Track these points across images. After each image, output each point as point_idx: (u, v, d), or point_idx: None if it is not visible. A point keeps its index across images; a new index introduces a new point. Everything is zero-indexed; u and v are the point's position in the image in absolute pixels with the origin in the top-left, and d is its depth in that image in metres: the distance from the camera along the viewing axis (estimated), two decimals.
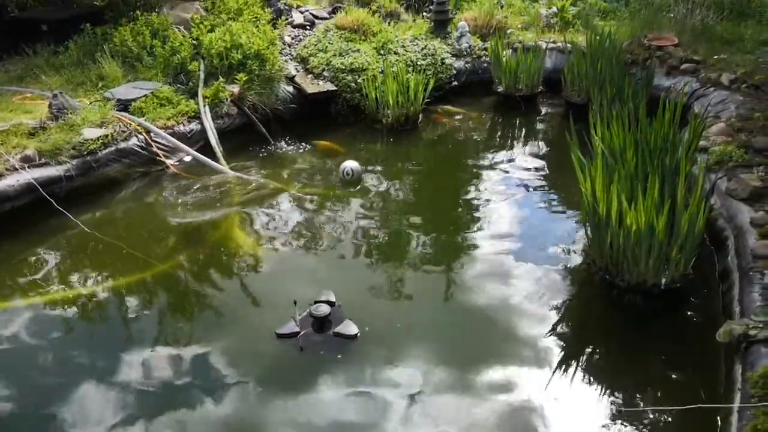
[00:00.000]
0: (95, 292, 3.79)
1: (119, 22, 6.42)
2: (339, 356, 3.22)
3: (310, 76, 6.50)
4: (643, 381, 3.05)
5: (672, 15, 7.09)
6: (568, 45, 6.91)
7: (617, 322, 3.49)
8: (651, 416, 2.81)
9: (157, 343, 3.36)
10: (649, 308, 3.47)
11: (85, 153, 4.83)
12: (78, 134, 4.89)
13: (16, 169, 4.49)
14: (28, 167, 4.55)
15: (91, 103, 5.46)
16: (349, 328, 3.33)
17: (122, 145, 5.09)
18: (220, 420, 2.86)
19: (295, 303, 3.38)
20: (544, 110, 6.85)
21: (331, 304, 3.46)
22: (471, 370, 3.11)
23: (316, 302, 3.45)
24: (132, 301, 3.73)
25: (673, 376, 3.06)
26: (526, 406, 2.89)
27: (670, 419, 2.79)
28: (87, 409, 2.92)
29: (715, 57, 6.10)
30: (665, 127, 3.88)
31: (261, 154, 5.74)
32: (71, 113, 5.06)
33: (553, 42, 7.20)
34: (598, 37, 6.27)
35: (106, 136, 5.00)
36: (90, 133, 4.94)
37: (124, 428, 2.82)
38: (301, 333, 3.31)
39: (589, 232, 3.75)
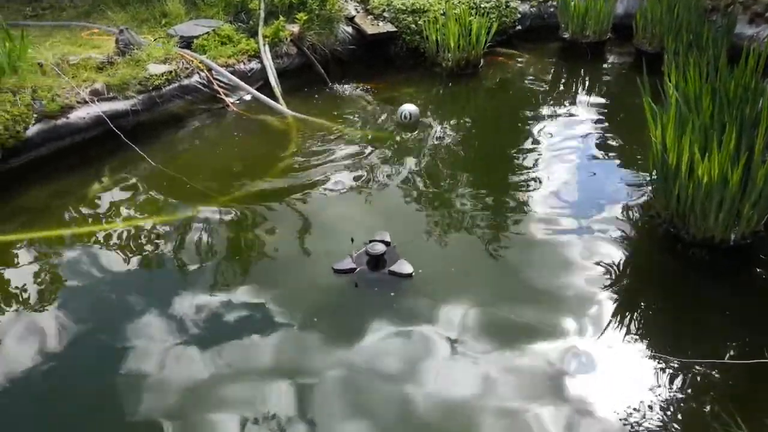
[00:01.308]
0: (158, 223, 3.93)
1: None
2: (392, 294, 3.27)
3: (370, 16, 6.38)
4: (704, 335, 2.98)
5: None
6: None
7: (680, 275, 3.39)
8: (710, 368, 2.75)
9: (216, 272, 3.48)
10: (715, 264, 3.35)
11: (151, 88, 4.94)
12: (143, 69, 4.99)
13: (86, 102, 4.64)
14: (97, 100, 4.69)
15: (155, 39, 5.55)
16: (404, 267, 3.36)
17: (185, 81, 5.17)
18: (273, 347, 2.96)
19: (352, 240, 3.43)
20: (611, 59, 6.55)
21: (386, 243, 3.49)
22: (523, 315, 3.10)
23: (371, 241, 3.49)
24: (193, 233, 3.85)
25: (736, 331, 2.97)
26: (578, 353, 2.87)
27: (730, 372, 2.73)
28: (144, 336, 3.05)
29: None
30: (747, 77, 3.64)
31: (318, 95, 5.73)
32: (137, 49, 5.16)
33: None
34: None
35: (170, 72, 5.09)
36: (155, 68, 5.03)
37: (180, 349, 2.96)
38: (357, 270, 3.37)
39: (655, 183, 3.61)
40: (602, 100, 5.69)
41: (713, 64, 3.76)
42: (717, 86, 3.52)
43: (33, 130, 4.35)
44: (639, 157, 4.49)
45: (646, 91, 3.55)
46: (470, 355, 2.89)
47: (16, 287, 3.40)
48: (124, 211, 4.09)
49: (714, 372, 2.75)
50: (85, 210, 4.11)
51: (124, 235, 3.83)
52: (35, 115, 4.38)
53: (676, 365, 2.79)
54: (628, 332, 3.00)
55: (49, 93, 4.48)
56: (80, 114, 4.57)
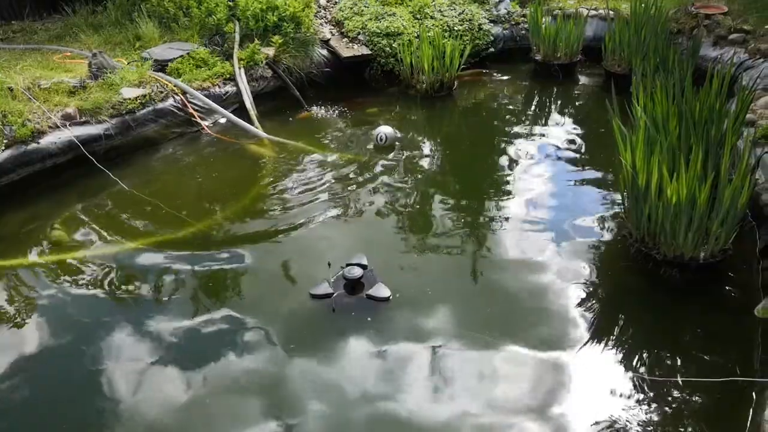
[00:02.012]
0: (133, 249, 3.87)
1: None
2: (369, 319, 3.26)
3: (345, 39, 6.44)
4: (676, 353, 3.02)
5: None
6: (611, 12, 6.70)
7: (652, 294, 3.45)
8: (682, 387, 2.79)
9: (191, 298, 3.44)
10: (686, 282, 3.41)
11: (124, 112, 4.91)
12: (117, 93, 4.95)
13: (58, 127, 4.59)
14: (69, 125, 4.64)
15: (129, 62, 5.52)
16: (382, 290, 3.36)
17: (159, 105, 5.15)
18: (249, 373, 2.94)
19: (329, 265, 3.42)
20: (582, 80, 6.69)
21: (363, 267, 3.49)
22: (499, 338, 3.12)
23: (348, 265, 3.48)
24: (168, 259, 3.80)
25: (708, 349, 3.02)
26: (553, 374, 2.90)
27: (702, 391, 2.77)
28: (119, 365, 3.02)
29: (766, 27, 5.85)
30: (711, 99, 3.75)
31: (294, 118, 5.74)
32: (110, 73, 5.12)
33: (595, 9, 6.98)
34: (643, 5, 6.06)
35: (144, 96, 5.06)
36: (128, 92, 5.00)
37: (154, 376, 2.94)
38: (334, 294, 3.35)
39: (626, 204, 3.69)
40: (574, 120, 5.80)
41: (679, 86, 3.86)
42: (683, 108, 3.62)
43: (3, 155, 4.29)
44: (610, 176, 4.58)
45: (615, 114, 3.63)
46: (448, 378, 2.89)
47: None
48: (97, 236, 4.03)
49: (686, 390, 2.79)
50: (57, 236, 4.03)
51: (98, 261, 3.77)
52: (5, 141, 4.31)
53: (649, 383, 2.83)
54: (602, 351, 3.04)
55: (20, 118, 4.42)
56: (51, 139, 4.52)
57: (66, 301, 3.48)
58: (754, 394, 2.67)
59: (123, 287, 3.58)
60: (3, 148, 4.29)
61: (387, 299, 3.34)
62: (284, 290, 3.52)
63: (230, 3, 6.20)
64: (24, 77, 4.95)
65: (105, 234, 4.05)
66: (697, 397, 2.76)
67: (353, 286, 3.39)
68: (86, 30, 6.21)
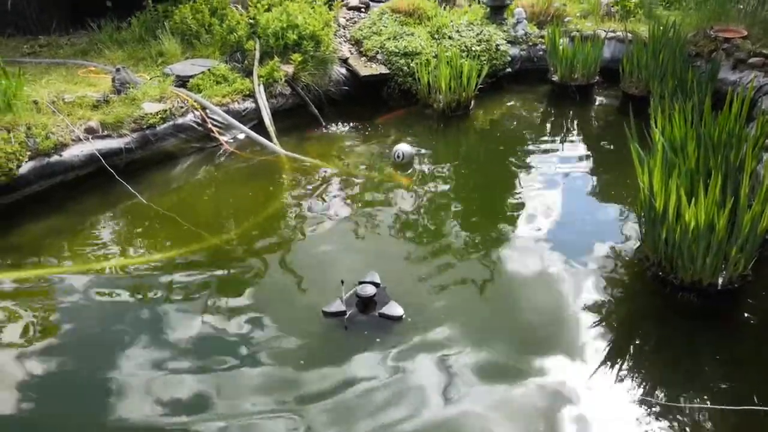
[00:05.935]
0: (150, 262, 3.91)
1: (179, 0, 6.55)
2: (377, 340, 3.24)
3: (363, 58, 6.51)
4: (693, 379, 2.98)
5: (741, 6, 6.77)
6: (629, 34, 6.71)
7: (669, 319, 3.41)
8: (699, 414, 2.75)
9: (205, 313, 3.46)
10: (704, 307, 3.37)
11: (145, 127, 4.99)
12: (138, 108, 5.04)
13: (81, 140, 4.67)
14: (92, 138, 4.72)
15: (151, 78, 5.62)
16: (395, 309, 3.35)
17: (180, 120, 5.22)
18: (259, 390, 2.95)
19: (342, 282, 3.42)
20: (599, 101, 6.68)
21: (375, 285, 3.48)
22: (511, 360, 3.09)
23: (360, 283, 3.48)
24: (184, 273, 3.83)
25: (726, 376, 2.97)
26: (566, 397, 2.86)
27: (719, 419, 2.72)
28: (130, 378, 3.05)
29: None
30: (730, 123, 3.73)
31: (312, 135, 5.80)
32: (132, 87, 5.22)
33: (613, 31, 6.99)
34: (661, 27, 6.06)
35: (165, 111, 5.14)
36: (150, 107, 5.08)
37: (167, 384, 2.97)
38: (348, 313, 3.35)
39: (643, 227, 3.66)
40: (590, 141, 5.78)
41: (698, 109, 3.85)
42: (702, 132, 3.60)
43: (26, 167, 4.37)
44: (627, 198, 4.55)
45: (633, 137, 3.62)
46: (460, 401, 2.87)
47: (5, 326, 3.36)
48: (115, 249, 4.08)
49: (702, 417, 2.74)
50: (76, 248, 4.09)
51: (115, 273, 3.82)
52: (29, 153, 4.39)
53: (664, 409, 2.78)
54: (617, 375, 3.00)
55: (44, 131, 4.51)
56: (74, 151, 4.60)
57: (82, 311, 3.52)
58: None
59: (136, 300, 3.61)
60: (26, 159, 4.37)
61: (400, 318, 3.33)
62: (297, 307, 3.53)
63: (251, 21, 6.31)
64: (49, 91, 5.06)
65: (122, 246, 4.09)
66: (713, 425, 2.70)
67: (366, 304, 3.39)
68: (110, 45, 6.34)
